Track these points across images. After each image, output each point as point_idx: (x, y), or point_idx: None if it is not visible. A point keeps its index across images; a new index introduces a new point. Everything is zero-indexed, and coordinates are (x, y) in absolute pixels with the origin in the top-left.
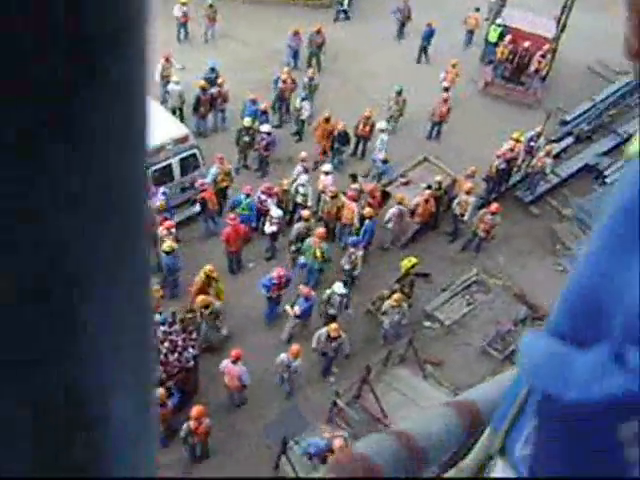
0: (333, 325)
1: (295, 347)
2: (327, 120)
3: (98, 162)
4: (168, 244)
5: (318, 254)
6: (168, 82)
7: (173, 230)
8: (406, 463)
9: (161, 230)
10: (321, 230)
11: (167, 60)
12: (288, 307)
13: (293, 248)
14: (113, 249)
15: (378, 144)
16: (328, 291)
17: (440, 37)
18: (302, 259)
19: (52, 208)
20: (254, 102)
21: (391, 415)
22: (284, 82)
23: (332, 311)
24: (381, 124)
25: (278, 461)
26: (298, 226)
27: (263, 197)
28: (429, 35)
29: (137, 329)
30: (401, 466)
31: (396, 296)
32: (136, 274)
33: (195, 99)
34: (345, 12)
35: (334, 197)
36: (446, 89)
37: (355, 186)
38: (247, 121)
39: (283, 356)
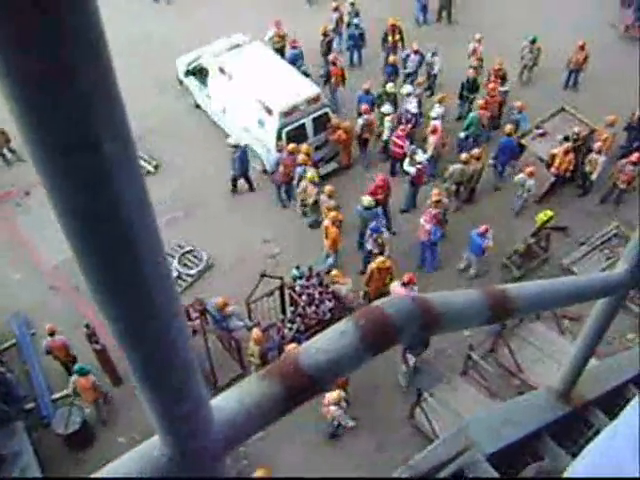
0: None
1: (530, 168)
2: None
3: None
4: (368, 199)
5: (485, 122)
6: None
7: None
8: (419, 322)
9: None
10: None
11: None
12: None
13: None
14: None
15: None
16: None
17: None
18: (462, 135)
19: None
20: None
21: (527, 369)
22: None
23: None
24: (405, 89)
25: (413, 411)
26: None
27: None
28: None
29: None
30: (413, 323)
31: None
32: None
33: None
34: None
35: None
36: (474, 68)
37: None
38: (390, 87)
39: (521, 175)
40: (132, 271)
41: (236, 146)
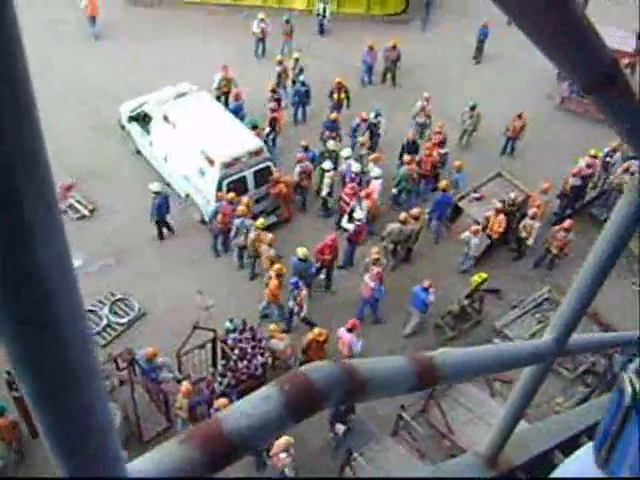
0: None
1: (475, 226)
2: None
3: None
4: (304, 251)
5: (415, 176)
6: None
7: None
8: (345, 388)
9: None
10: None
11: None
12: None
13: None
14: None
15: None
16: None
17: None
18: (395, 191)
19: None
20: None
21: (457, 431)
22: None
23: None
24: (345, 151)
25: (342, 471)
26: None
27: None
28: (484, 34)
29: None
30: (339, 390)
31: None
32: None
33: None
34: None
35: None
36: (421, 125)
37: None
38: (332, 144)
39: (466, 233)
40: (50, 334)
41: (157, 192)
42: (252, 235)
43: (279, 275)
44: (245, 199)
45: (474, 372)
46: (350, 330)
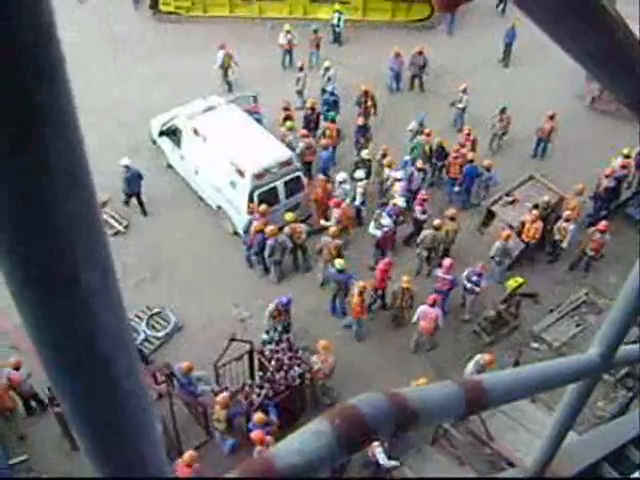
0: None
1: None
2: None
3: None
4: (340, 262)
5: (427, 149)
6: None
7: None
8: (395, 420)
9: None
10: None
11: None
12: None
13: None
14: None
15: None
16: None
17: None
18: (408, 158)
19: None
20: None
21: (497, 438)
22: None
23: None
24: (340, 175)
25: None
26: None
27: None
28: (512, 36)
29: None
30: (390, 422)
31: None
32: None
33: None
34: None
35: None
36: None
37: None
38: (365, 153)
39: (497, 243)
40: (109, 397)
41: (127, 167)
42: (287, 230)
43: (361, 292)
44: (260, 220)
45: (522, 394)
46: (432, 305)
